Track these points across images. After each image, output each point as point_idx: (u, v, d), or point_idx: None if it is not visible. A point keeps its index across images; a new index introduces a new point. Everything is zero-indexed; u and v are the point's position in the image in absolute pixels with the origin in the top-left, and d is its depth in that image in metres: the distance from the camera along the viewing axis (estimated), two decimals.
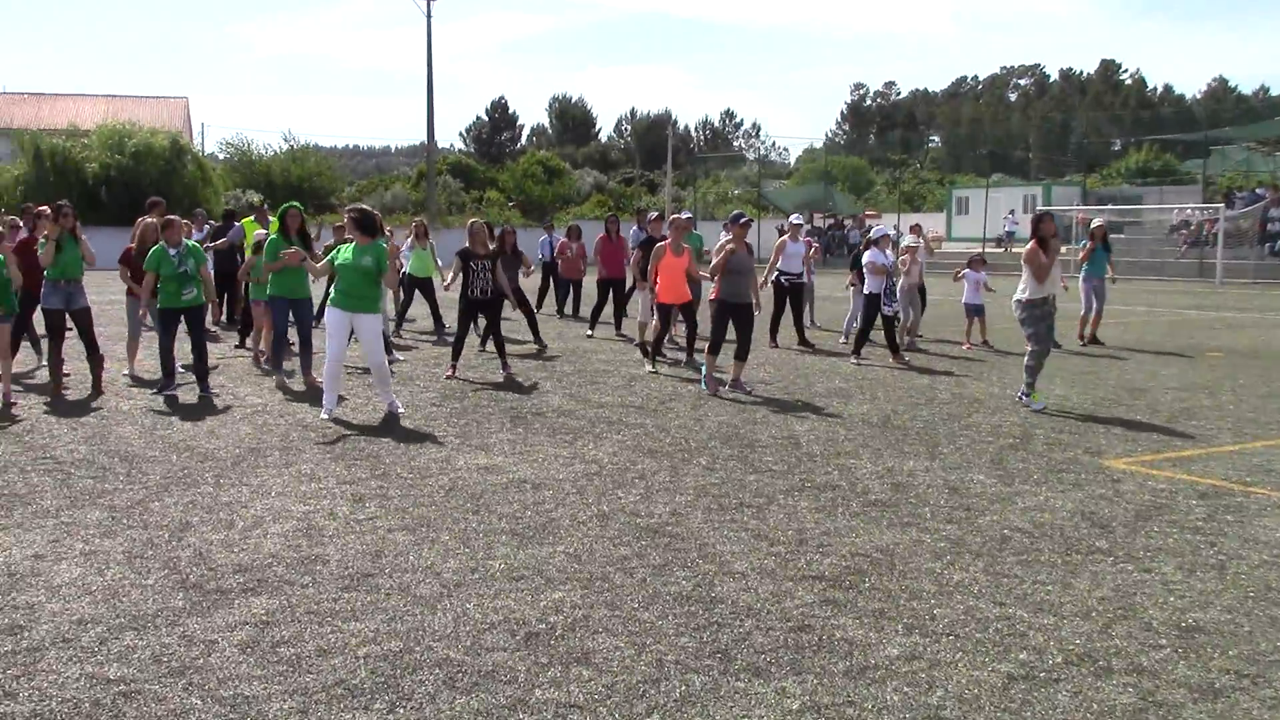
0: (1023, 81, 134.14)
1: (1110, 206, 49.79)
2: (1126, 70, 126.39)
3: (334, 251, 11.16)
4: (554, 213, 65.74)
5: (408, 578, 6.00)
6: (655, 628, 5.31)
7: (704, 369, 12.56)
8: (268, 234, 13.50)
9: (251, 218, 17.02)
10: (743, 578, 6.07)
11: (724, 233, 12.80)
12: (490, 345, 14.97)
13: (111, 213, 41.68)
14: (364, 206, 11.19)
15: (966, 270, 17.60)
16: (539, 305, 22.36)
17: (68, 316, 12.05)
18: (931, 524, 7.20)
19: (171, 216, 12.15)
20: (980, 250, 25.60)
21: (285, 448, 9.29)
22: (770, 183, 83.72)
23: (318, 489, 7.91)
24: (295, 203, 13.32)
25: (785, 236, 17.21)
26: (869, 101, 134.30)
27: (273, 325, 12.98)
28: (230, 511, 7.30)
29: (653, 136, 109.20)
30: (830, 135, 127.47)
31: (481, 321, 14.94)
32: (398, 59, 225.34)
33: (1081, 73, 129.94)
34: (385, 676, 4.73)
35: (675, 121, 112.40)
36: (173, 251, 11.58)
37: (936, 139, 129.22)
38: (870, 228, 27.15)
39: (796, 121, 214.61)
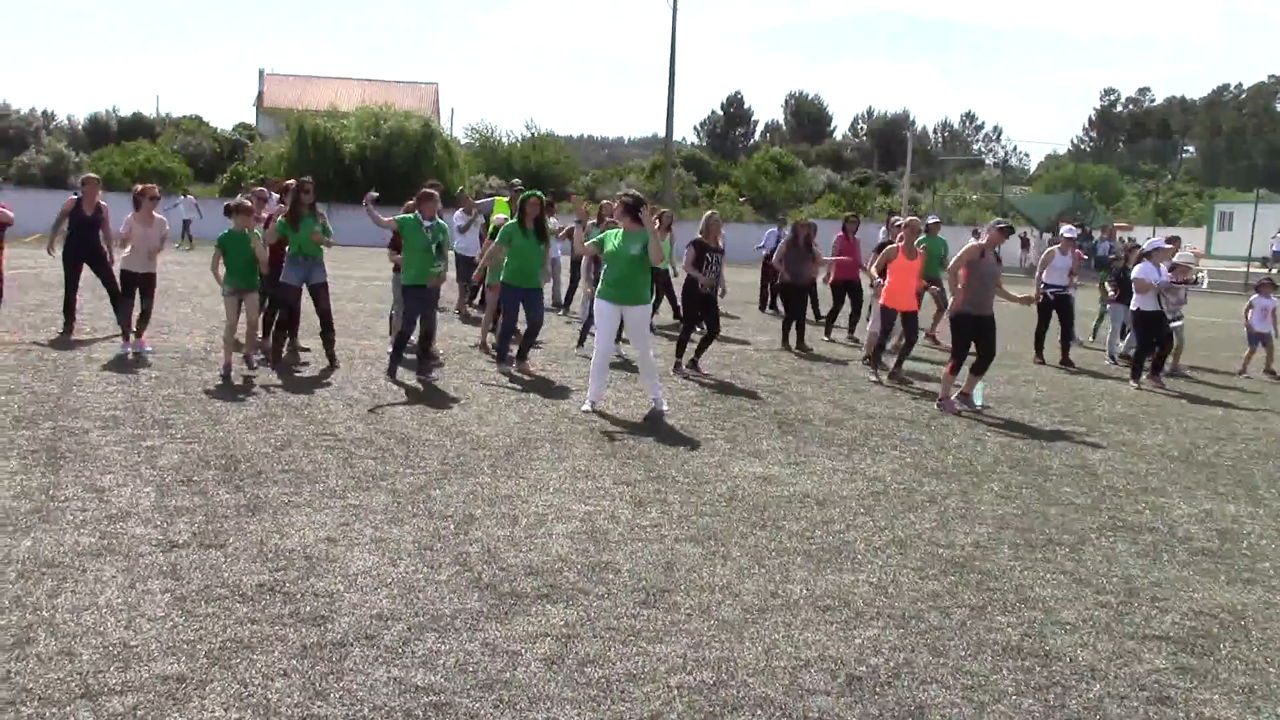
0: None
1: None
2: None
3: (600, 236, 10.89)
4: (787, 210, 65.32)
5: (706, 597, 5.63)
6: (990, 683, 4.78)
7: (941, 388, 11.79)
8: (506, 218, 13.48)
9: (506, 198, 17.00)
10: (1074, 630, 5.46)
11: (972, 239, 12.06)
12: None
13: (365, 191, 43.25)
14: (635, 192, 10.88)
15: (1255, 295, 16.23)
16: (762, 305, 21.88)
17: (305, 291, 12.19)
18: (1277, 583, 6.40)
19: (429, 189, 12.08)
20: (1270, 272, 23.66)
21: (555, 440, 9.10)
22: (1011, 188, 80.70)
23: (595, 488, 7.65)
24: (536, 190, 13.17)
25: (1054, 248, 16.21)
26: (1120, 107, 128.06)
27: (503, 312, 12.87)
28: (511, 506, 7.10)
29: (889, 136, 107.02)
30: (1076, 141, 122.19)
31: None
32: (636, 49, 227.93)
33: None
34: (704, 713, 4.36)
35: (913, 122, 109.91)
36: (427, 223, 11.57)
37: (1191, 149, 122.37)
38: (1128, 240, 25.50)
39: (1039, 126, 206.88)
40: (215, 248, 11.45)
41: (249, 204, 11.91)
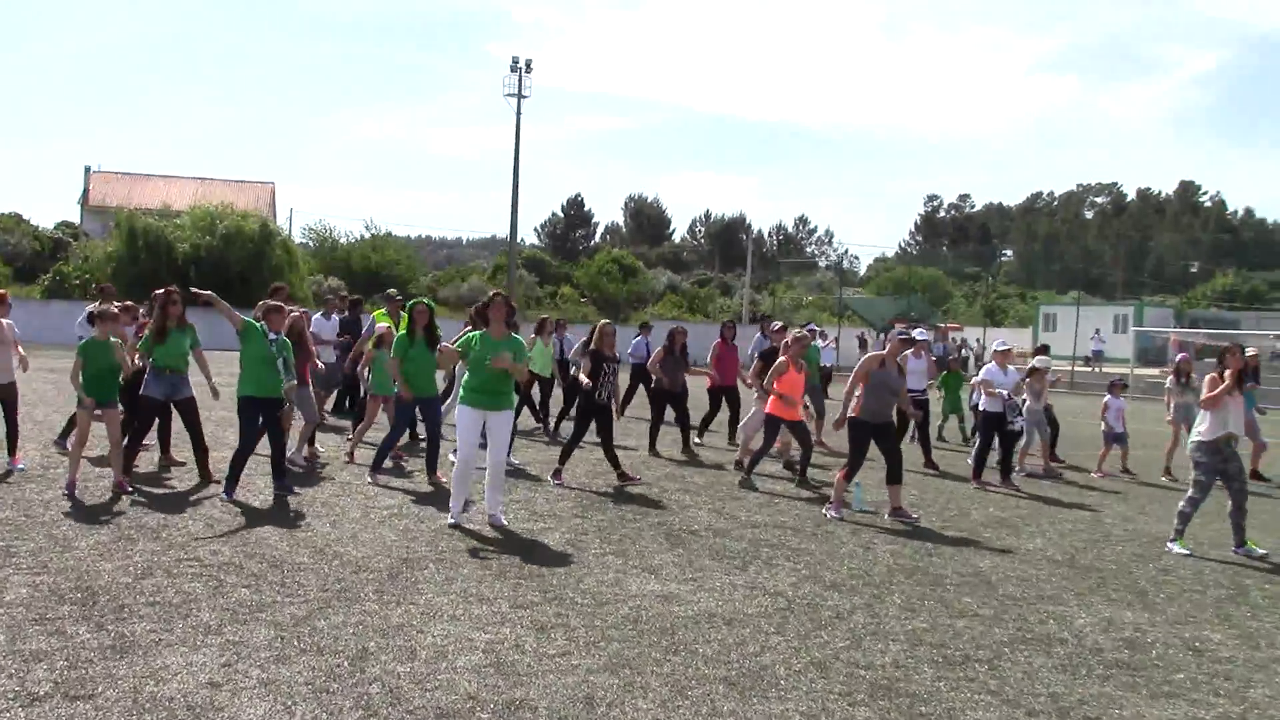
0: (1099, 199, 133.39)
1: (1206, 330, 48.68)
2: (1206, 192, 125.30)
3: (466, 341, 10.48)
4: (629, 311, 65.75)
5: None
6: None
7: (833, 492, 11.72)
8: (390, 327, 13.12)
9: (384, 309, 16.49)
10: None
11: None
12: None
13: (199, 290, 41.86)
14: (504, 294, 10.56)
15: (1108, 397, 16.77)
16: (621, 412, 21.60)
17: (172, 407, 11.60)
18: (1197, 696, 6.35)
19: (278, 303, 11.52)
20: (1117, 375, 24.59)
21: (439, 559, 8.61)
22: (844, 290, 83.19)
23: (492, 613, 7.20)
24: (425, 298, 12.83)
25: (909, 351, 16.45)
26: (942, 213, 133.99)
27: (391, 420, 12.42)
28: (406, 636, 6.60)
29: (726, 239, 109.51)
30: (904, 245, 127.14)
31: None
32: (475, 152, 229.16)
33: (1160, 193, 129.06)
34: None
35: (749, 225, 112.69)
36: (272, 335, 11.01)
37: (1009, 253, 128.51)
38: (958, 340, 26.10)
39: (868, 230, 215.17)
40: (76, 356, 10.70)
41: (114, 310, 11.21)
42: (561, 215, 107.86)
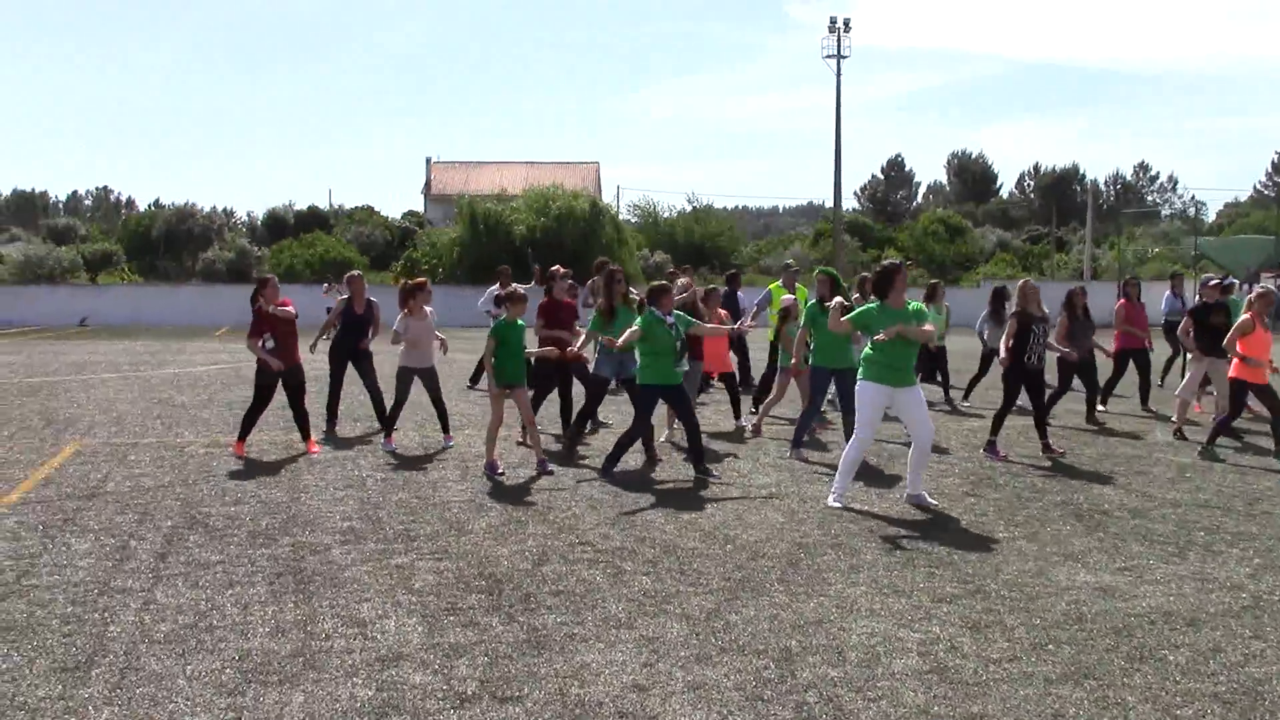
0: None
1: None
2: None
3: (865, 313, 9.69)
4: (958, 273, 63.23)
5: None
6: None
7: None
8: (796, 299, 12.73)
9: (778, 281, 16.21)
10: None
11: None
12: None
13: (539, 272, 43.23)
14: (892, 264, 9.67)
15: None
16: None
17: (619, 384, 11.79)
18: None
19: (663, 282, 11.20)
20: None
21: (836, 544, 8.01)
22: (1196, 238, 76.90)
23: (912, 608, 6.53)
24: (829, 268, 12.32)
25: None
26: None
27: (810, 397, 11.93)
28: (829, 635, 6.02)
29: (1058, 192, 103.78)
30: (1259, 187, 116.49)
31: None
32: (784, 119, 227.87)
33: None
34: None
35: (1083, 175, 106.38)
36: (669, 319, 10.67)
37: None
38: None
39: (1215, 175, 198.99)
40: (489, 338, 10.85)
41: (522, 292, 11.33)
42: (881, 177, 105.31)
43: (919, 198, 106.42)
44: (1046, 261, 69.17)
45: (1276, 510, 9.39)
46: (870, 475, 10.61)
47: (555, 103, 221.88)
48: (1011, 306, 17.31)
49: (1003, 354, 12.02)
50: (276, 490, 9.78)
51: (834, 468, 10.87)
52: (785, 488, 10.13)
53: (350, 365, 13.23)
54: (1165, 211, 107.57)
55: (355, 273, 13.80)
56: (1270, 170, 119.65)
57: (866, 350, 9.45)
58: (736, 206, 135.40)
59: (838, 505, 9.26)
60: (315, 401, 13.25)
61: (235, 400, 16.02)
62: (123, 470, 10.69)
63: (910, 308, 9.30)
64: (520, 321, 10.86)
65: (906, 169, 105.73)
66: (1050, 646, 5.86)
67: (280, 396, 11.81)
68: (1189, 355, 15.43)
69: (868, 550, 7.86)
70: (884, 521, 8.79)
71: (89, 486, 9.89)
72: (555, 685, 5.26)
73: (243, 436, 11.72)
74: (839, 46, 55.99)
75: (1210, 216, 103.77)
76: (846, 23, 55.98)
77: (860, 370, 9.44)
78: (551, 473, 10.61)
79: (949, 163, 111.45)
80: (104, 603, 6.49)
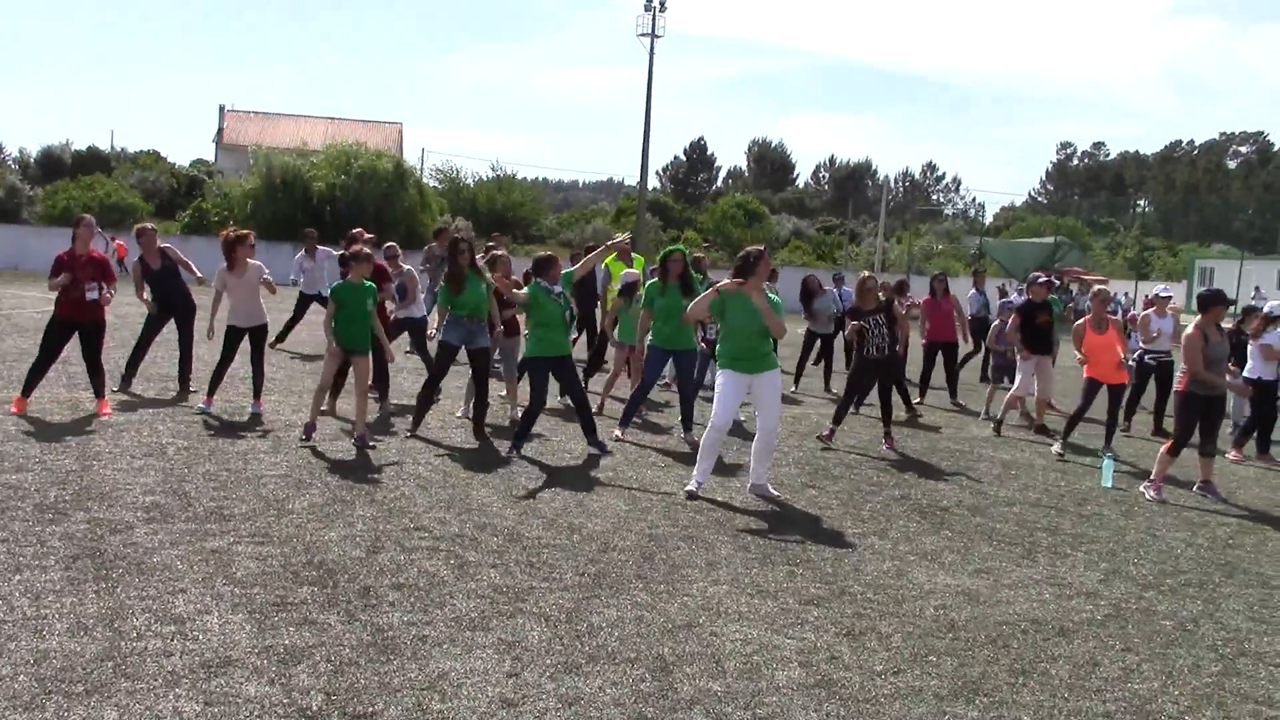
0: (1243, 149, 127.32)
1: None
2: None
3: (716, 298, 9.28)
4: None
5: None
6: None
7: (1155, 469, 10.44)
8: (639, 274, 12.24)
9: (614, 255, 15.44)
10: None
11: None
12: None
13: (334, 233, 41.53)
14: (756, 249, 9.24)
15: None
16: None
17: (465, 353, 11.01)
18: None
19: (549, 253, 10.65)
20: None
21: (687, 537, 7.62)
22: (974, 239, 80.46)
23: (781, 610, 6.18)
24: (679, 245, 11.87)
25: (1150, 310, 14.94)
26: (1075, 161, 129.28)
27: (641, 375, 11.56)
28: (701, 641, 5.60)
29: (850, 185, 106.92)
30: (1034, 194, 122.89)
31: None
32: (592, 94, 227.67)
33: None
34: None
35: (875, 171, 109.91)
36: (556, 290, 10.19)
37: (1143, 203, 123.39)
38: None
39: (995, 179, 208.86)
40: (330, 300, 10.01)
41: (367, 253, 10.38)
42: (684, 159, 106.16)
43: (719, 181, 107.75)
44: (840, 251, 71.01)
45: (1105, 511, 9.50)
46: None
47: (359, 59, 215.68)
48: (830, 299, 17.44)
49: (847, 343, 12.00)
50: (65, 457, 8.74)
51: (665, 452, 10.59)
52: (621, 471, 9.70)
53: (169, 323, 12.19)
54: (948, 211, 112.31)
55: (146, 225, 12.50)
56: (1044, 178, 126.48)
57: (718, 339, 9.18)
58: (537, 178, 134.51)
59: (695, 489, 8.89)
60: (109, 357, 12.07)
61: (9, 351, 14.54)
62: None
63: (770, 298, 8.98)
64: (368, 283, 10.11)
65: (709, 152, 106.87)
66: (931, 658, 5.60)
67: (72, 349, 10.69)
68: (992, 351, 15.74)
69: (721, 544, 7.49)
70: (729, 512, 8.46)
71: None
72: (412, 698, 4.66)
73: (25, 392, 10.55)
74: (654, 25, 55.84)
75: (988, 218, 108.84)
76: (663, 2, 55.86)
77: (718, 359, 9.12)
78: (373, 447, 9.89)
79: (749, 149, 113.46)
80: None
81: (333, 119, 66.85)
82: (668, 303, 11.04)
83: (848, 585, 6.76)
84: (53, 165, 58.36)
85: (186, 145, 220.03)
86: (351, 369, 10.13)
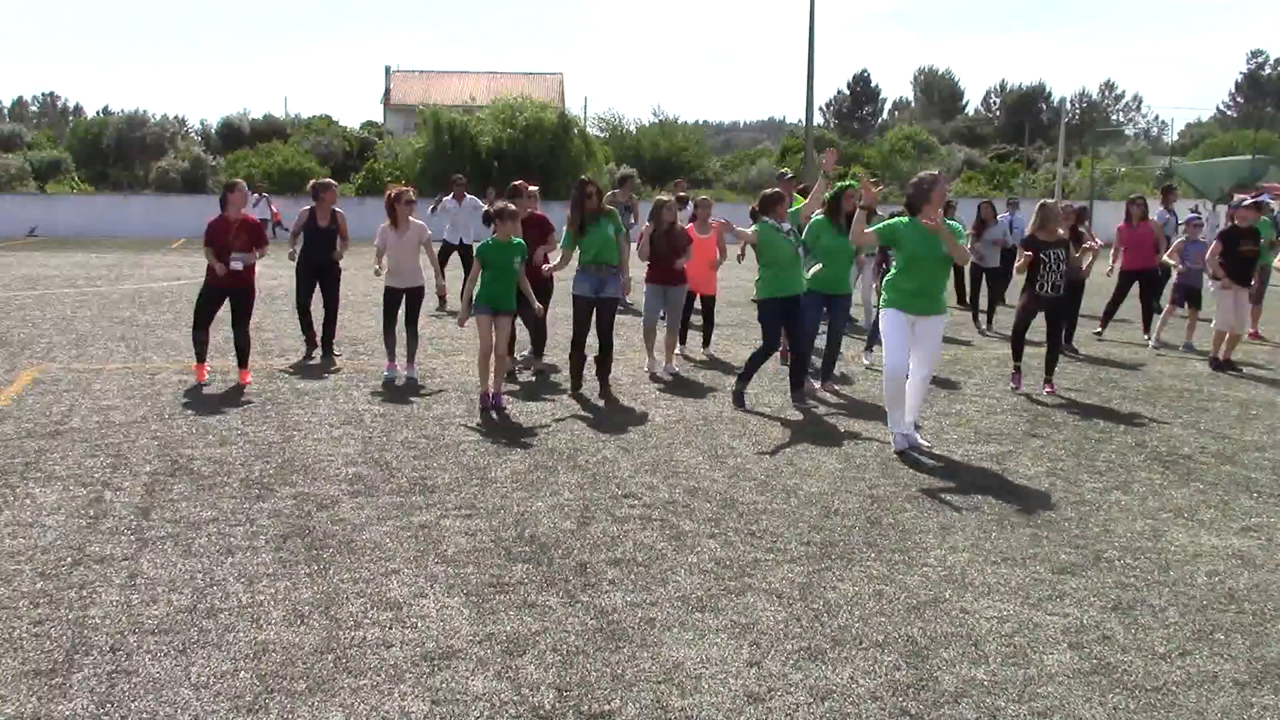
0: None
1: None
2: None
3: (889, 228, 8.61)
4: None
5: None
6: None
7: None
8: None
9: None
10: None
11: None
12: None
13: (502, 186, 41.70)
14: (930, 175, 8.55)
15: None
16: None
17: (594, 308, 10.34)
18: None
19: (775, 190, 10.43)
20: None
21: (914, 499, 7.08)
22: (1162, 159, 76.38)
23: (1033, 580, 5.61)
24: (852, 181, 11.12)
25: None
26: (1268, 70, 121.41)
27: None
28: (950, 619, 5.08)
29: (1023, 110, 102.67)
30: (1222, 107, 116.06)
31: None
32: (743, 32, 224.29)
33: None
34: None
35: (1049, 93, 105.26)
36: (785, 227, 9.89)
37: None
38: None
39: (1179, 94, 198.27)
40: (475, 260, 9.69)
41: (513, 208, 10.01)
42: (847, 93, 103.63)
43: (885, 114, 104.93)
44: (1016, 180, 68.32)
45: None
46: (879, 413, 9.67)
47: (515, 9, 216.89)
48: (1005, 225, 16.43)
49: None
50: (265, 428, 8.68)
51: (862, 403, 9.97)
52: (823, 424, 9.18)
53: (317, 284, 12.02)
54: (1129, 131, 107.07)
55: (325, 180, 12.42)
56: (1233, 91, 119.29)
57: (890, 275, 8.46)
58: (697, 121, 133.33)
59: (904, 447, 8.31)
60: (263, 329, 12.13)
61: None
62: (88, 401, 9.54)
63: (950, 225, 8.31)
64: (516, 239, 9.73)
65: (872, 84, 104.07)
66: (1219, 636, 4.96)
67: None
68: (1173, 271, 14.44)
69: (950, 504, 6.94)
70: (952, 465, 7.87)
71: (51, 422, 8.75)
72: (650, 693, 4.29)
73: (199, 359, 10.57)
74: None
75: (1173, 136, 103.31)
76: None
77: (884, 296, 8.45)
78: (506, 410, 9.48)
79: (915, 78, 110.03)
80: (80, 576, 5.43)
81: (495, 73, 67.32)
82: (835, 243, 10.38)
83: (1102, 549, 6.13)
84: (232, 135, 60.15)
85: (357, 108, 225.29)
86: (495, 329, 9.76)
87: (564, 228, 10.50)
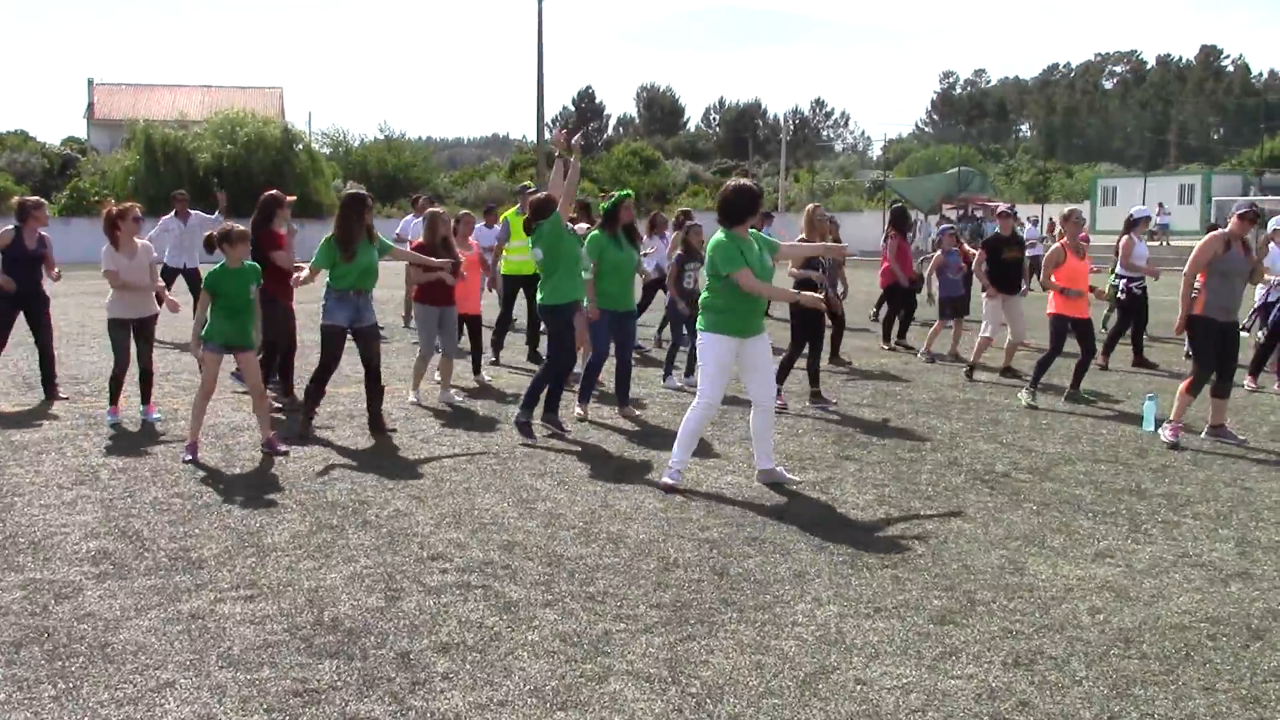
0: (1118, 69, 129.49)
1: None
2: (1228, 56, 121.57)
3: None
4: (651, 205, 62.96)
5: None
6: None
7: (1174, 411, 9.38)
8: (588, 229, 10.63)
9: (515, 209, 13.73)
10: None
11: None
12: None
13: (231, 198, 39.22)
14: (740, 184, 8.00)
15: None
16: None
17: (349, 335, 9.19)
18: None
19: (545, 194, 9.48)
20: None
21: (754, 539, 6.42)
22: (869, 173, 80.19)
23: (917, 635, 5.02)
24: (628, 191, 10.41)
25: (1130, 234, 13.95)
26: (958, 90, 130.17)
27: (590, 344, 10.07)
28: (849, 694, 4.42)
29: (742, 126, 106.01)
30: (920, 125, 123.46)
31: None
32: (470, 48, 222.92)
33: (1180, 59, 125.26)
34: None
35: (765, 110, 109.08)
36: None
37: (1024, 127, 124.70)
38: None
39: (880, 113, 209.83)
40: (203, 290, 8.37)
41: (243, 230, 8.67)
42: (573, 109, 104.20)
43: (610, 129, 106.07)
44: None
45: (1173, 462, 8.54)
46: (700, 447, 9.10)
47: (228, 18, 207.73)
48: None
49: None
50: None
51: (641, 428, 9.31)
52: (613, 455, 8.46)
53: (22, 314, 10.50)
54: (838, 146, 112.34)
55: (35, 198, 10.88)
56: (929, 109, 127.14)
57: (706, 295, 7.75)
58: (420, 137, 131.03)
59: (672, 481, 7.57)
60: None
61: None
62: None
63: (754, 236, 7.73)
64: (249, 263, 8.55)
65: (597, 100, 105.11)
66: (1136, 691, 4.49)
67: None
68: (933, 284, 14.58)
69: (794, 545, 6.32)
70: (779, 497, 7.28)
71: None
72: None
73: None
74: None
75: (876, 151, 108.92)
76: None
77: (701, 319, 7.75)
78: (285, 454, 8.41)
79: (638, 95, 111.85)
80: None
81: (210, 87, 63.85)
82: (621, 257, 9.77)
83: (970, 590, 5.63)
84: None
85: (57, 123, 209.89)
86: (241, 369, 8.51)
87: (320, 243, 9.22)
